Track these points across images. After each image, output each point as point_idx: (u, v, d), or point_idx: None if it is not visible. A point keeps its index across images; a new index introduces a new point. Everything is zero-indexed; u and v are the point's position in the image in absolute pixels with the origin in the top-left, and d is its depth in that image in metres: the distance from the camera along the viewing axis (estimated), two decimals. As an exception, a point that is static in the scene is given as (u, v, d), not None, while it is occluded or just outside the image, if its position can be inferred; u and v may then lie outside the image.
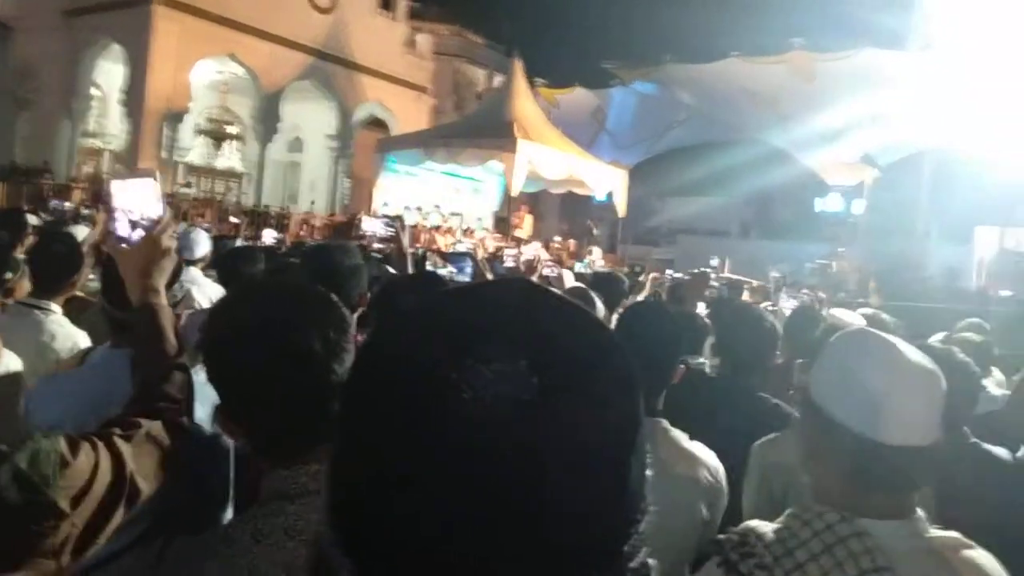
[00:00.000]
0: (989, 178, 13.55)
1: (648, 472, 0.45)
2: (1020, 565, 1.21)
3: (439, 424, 0.39)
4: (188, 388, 1.40)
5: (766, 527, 1.16)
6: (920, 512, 1.15)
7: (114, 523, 1.14)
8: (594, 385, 0.42)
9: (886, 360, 1.12)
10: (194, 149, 22.40)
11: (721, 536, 1.18)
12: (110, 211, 1.41)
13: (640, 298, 3.77)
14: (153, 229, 1.41)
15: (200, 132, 22.15)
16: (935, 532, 1.15)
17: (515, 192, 14.89)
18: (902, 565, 1.06)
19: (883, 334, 1.19)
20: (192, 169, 21.63)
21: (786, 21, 21.31)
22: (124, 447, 1.18)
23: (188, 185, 20.40)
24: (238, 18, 19.50)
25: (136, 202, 1.41)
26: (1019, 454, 2.03)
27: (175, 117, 19.09)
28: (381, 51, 23.28)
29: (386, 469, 0.40)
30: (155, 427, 1.26)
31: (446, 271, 3.55)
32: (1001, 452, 2.01)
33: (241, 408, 1.07)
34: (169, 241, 1.43)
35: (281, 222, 16.78)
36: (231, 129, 22.39)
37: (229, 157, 23.18)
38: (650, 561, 0.45)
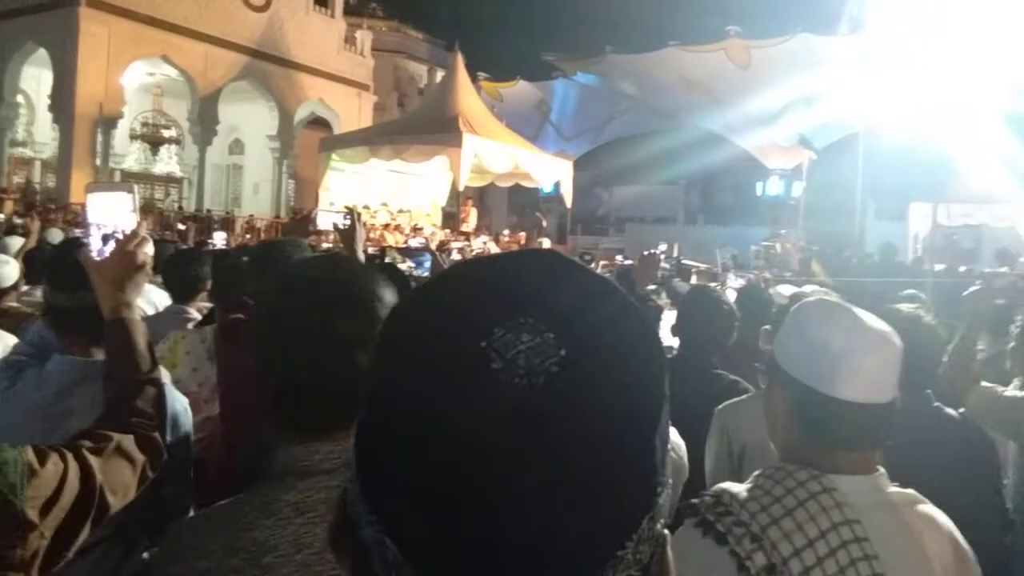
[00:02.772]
0: (921, 156, 14.02)
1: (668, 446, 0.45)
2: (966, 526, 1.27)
3: (469, 391, 0.40)
4: (161, 402, 1.38)
5: (738, 487, 1.20)
6: (881, 469, 1.21)
7: (81, 537, 1.12)
8: (620, 359, 0.43)
9: (846, 322, 1.19)
10: (130, 155, 21.79)
11: (695, 500, 1.21)
12: (84, 224, 1.41)
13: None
14: (127, 243, 1.40)
15: (135, 137, 21.55)
16: (894, 488, 1.21)
17: (461, 186, 14.86)
18: (865, 518, 1.12)
19: (842, 302, 1.27)
20: (128, 175, 21.02)
21: (722, 9, 21.66)
22: (93, 460, 1.16)
23: (124, 192, 19.84)
24: (169, 18, 19.01)
25: (111, 215, 1.41)
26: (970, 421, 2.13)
27: (108, 122, 18.49)
28: (319, 49, 22.96)
29: (413, 426, 0.40)
30: (126, 441, 1.24)
31: (405, 266, 3.54)
32: (955, 412, 2.09)
33: (286, 385, 1.06)
34: (143, 256, 1.41)
35: (226, 226, 16.44)
36: (168, 133, 21.84)
37: (167, 162, 22.62)
38: (665, 532, 0.45)
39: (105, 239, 1.40)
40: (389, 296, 1.07)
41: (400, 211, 17.49)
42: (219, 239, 8.49)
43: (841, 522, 1.11)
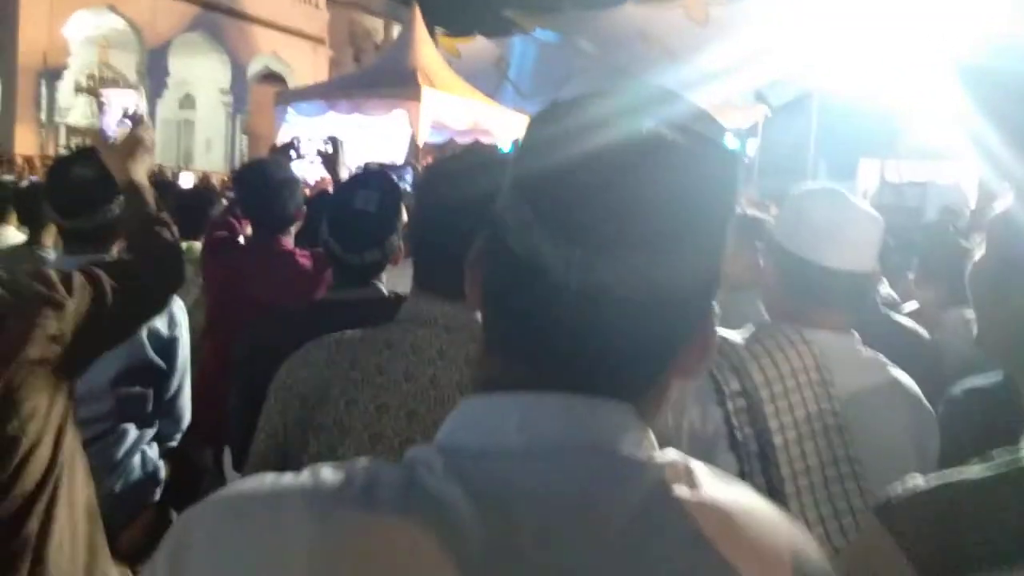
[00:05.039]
0: (872, 112, 14.30)
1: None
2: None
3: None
4: (171, 232, 1.66)
5: (735, 335, 1.38)
6: (855, 333, 1.40)
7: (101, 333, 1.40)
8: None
9: (836, 201, 1.39)
10: (75, 108, 21.06)
11: None
12: (101, 105, 1.72)
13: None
14: (137, 127, 1.70)
15: (81, 91, 20.81)
16: (865, 348, 1.40)
17: (421, 141, 14.75)
18: (837, 368, 1.31)
19: (832, 189, 1.45)
20: (74, 131, 20.34)
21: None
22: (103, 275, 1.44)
23: (69, 147, 19.20)
24: (115, -34, 18.30)
25: (124, 104, 1.73)
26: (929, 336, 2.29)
27: (53, 75, 17.85)
28: (273, 1, 22.35)
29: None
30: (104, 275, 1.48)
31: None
32: (909, 323, 2.26)
33: (425, 246, 1.27)
34: (148, 138, 1.71)
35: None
36: (115, 87, 21.14)
37: (114, 116, 21.94)
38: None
39: (119, 120, 1.70)
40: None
41: (358, 168, 17.30)
42: (185, 180, 8.74)
43: (812, 366, 1.29)
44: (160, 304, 1.62)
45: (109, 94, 1.75)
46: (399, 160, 19.21)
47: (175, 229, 1.68)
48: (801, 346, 1.31)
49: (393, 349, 1.20)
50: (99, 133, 1.71)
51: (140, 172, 1.70)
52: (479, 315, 0.60)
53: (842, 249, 1.33)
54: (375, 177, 1.80)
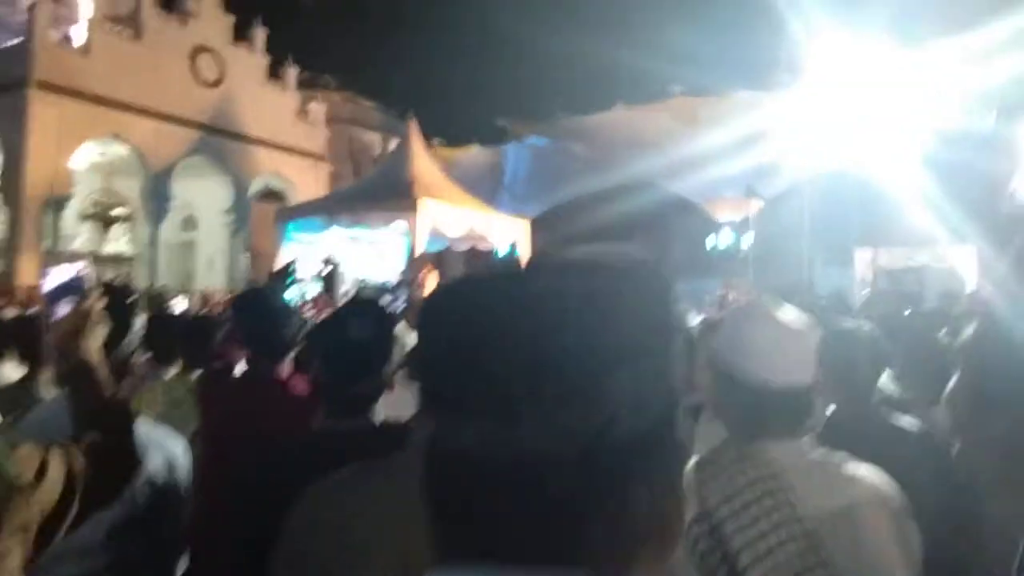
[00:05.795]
0: (860, 202, 14.58)
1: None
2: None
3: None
4: (124, 417, 1.55)
5: (697, 456, 1.41)
6: (807, 436, 1.41)
7: (69, 518, 1.30)
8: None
9: (769, 320, 1.42)
10: (80, 235, 21.49)
11: None
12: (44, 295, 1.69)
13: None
14: (83, 301, 1.62)
15: (87, 217, 21.30)
16: (822, 450, 1.40)
17: (419, 251, 14.96)
18: (792, 475, 1.30)
19: (767, 306, 1.48)
20: (78, 257, 20.67)
21: (665, 68, 22.52)
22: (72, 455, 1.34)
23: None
24: (121, 97, 18.99)
25: (63, 280, 1.69)
26: (920, 427, 2.22)
27: (57, 204, 18.26)
28: (273, 122, 23.14)
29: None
30: (72, 449, 1.39)
31: (384, 301, 3.64)
32: (905, 422, 2.19)
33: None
34: (96, 311, 1.61)
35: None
36: (119, 212, 21.63)
37: (117, 241, 22.34)
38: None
39: (58, 296, 1.65)
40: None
41: (359, 280, 17.48)
42: (178, 304, 8.56)
43: (767, 475, 1.29)
44: (118, 492, 1.48)
45: (50, 271, 1.72)
46: (399, 269, 19.50)
47: (129, 415, 1.57)
48: (755, 458, 1.32)
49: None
50: (47, 319, 1.66)
51: (92, 350, 1.58)
52: None
53: (776, 364, 1.35)
54: (367, 306, 1.81)
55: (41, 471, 1.26)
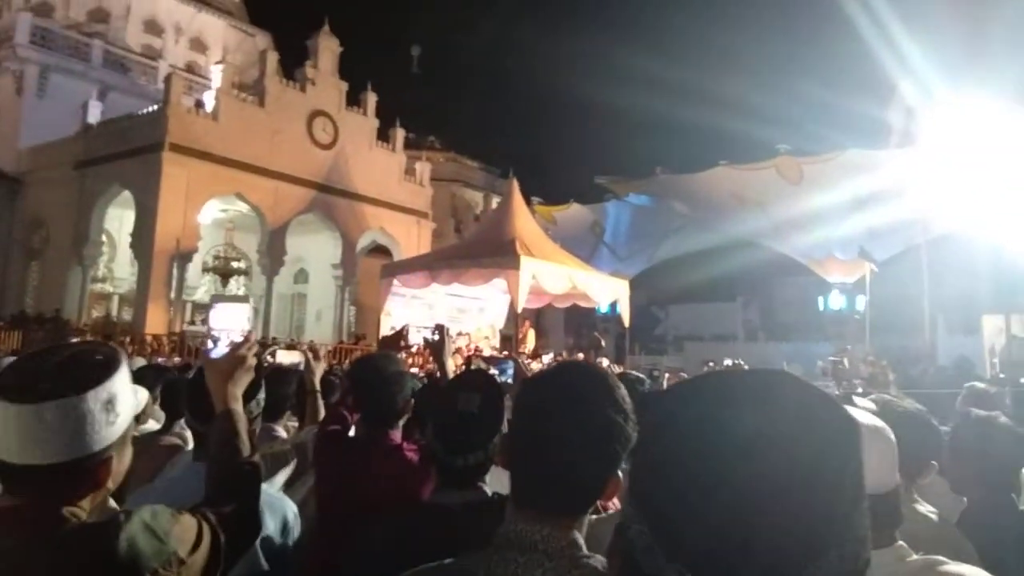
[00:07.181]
0: (987, 266, 13.72)
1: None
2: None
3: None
4: (256, 484, 1.54)
5: None
6: (900, 542, 1.31)
7: None
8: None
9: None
10: (201, 287, 22.79)
11: None
12: (207, 330, 1.61)
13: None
14: (240, 346, 1.65)
15: (208, 270, 22.60)
16: (915, 556, 1.29)
17: (520, 308, 15.03)
18: None
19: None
20: (199, 307, 21.92)
21: (771, 129, 22.21)
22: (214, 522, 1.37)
23: (193, 323, 20.59)
24: (244, 159, 20.28)
25: (228, 321, 1.60)
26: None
27: (184, 258, 19.48)
28: (381, 181, 24.11)
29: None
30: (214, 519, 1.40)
31: (492, 372, 3.65)
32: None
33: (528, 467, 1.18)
34: (251, 358, 1.65)
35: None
36: (237, 265, 22.86)
37: (236, 292, 23.56)
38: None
39: (216, 341, 1.58)
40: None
41: (459, 334, 17.70)
42: (285, 356, 8.69)
43: None
44: (239, 557, 1.46)
45: (216, 308, 1.74)
46: (499, 324, 19.64)
47: (261, 474, 1.56)
48: None
49: None
50: (203, 352, 1.71)
51: (238, 394, 1.62)
52: (578, 537, 0.59)
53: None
54: (476, 377, 1.79)
55: (196, 543, 1.27)
